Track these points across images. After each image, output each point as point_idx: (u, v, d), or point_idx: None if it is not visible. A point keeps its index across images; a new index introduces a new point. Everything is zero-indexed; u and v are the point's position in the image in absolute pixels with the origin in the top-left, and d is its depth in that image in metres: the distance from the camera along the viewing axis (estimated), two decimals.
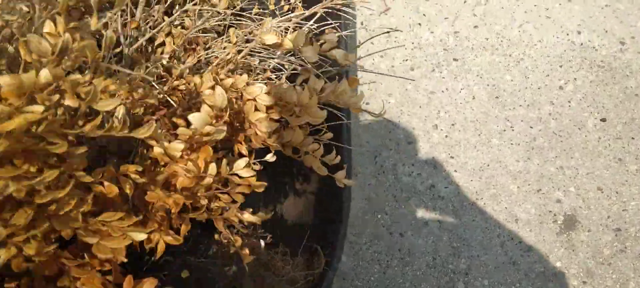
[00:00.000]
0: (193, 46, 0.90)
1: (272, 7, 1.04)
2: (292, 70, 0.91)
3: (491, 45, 1.94)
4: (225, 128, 0.65)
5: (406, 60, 1.89)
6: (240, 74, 0.73)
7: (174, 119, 0.73)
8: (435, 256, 1.59)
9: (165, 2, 0.89)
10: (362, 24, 1.96)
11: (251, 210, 0.74)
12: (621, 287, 1.54)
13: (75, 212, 0.55)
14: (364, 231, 1.61)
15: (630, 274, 1.56)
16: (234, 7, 0.93)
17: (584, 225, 1.63)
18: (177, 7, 0.89)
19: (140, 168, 0.63)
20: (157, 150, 0.63)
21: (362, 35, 1.94)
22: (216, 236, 0.84)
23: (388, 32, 1.88)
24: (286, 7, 1.07)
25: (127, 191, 0.61)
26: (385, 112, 1.35)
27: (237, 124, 0.74)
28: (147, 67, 0.78)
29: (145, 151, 0.69)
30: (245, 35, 0.83)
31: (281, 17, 0.90)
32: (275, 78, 0.92)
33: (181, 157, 0.63)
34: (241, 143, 0.74)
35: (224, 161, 0.67)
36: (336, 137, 1.13)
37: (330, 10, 1.03)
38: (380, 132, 1.76)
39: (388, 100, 1.81)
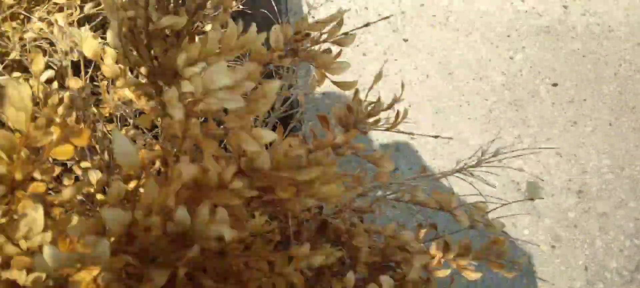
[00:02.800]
0: None
1: None
2: None
3: (439, 22, 1.93)
4: None
5: (357, 46, 1.87)
6: None
7: None
8: None
9: None
10: (309, 13, 1.93)
11: None
12: (588, 246, 1.56)
13: None
14: None
15: (595, 233, 1.58)
16: None
17: (547, 191, 1.64)
18: None
19: None
20: None
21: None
22: None
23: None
24: None
25: None
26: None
27: None
28: None
29: None
30: None
31: None
32: None
33: None
34: None
35: None
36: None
37: None
38: None
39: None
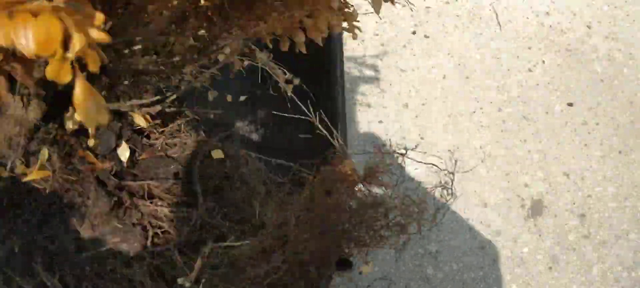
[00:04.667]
0: None
1: None
2: None
3: (462, 24, 1.90)
4: None
5: (377, 34, 1.83)
6: None
7: None
8: (404, 240, 1.55)
9: None
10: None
11: None
12: (585, 273, 1.56)
13: None
14: None
15: (593, 260, 1.58)
16: None
17: (551, 211, 1.63)
18: None
19: None
20: None
21: None
22: None
23: None
24: None
25: None
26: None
27: None
28: None
29: None
30: None
31: None
32: None
33: None
34: None
35: None
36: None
37: None
38: (350, 111, 1.70)
39: (359, 77, 1.74)
